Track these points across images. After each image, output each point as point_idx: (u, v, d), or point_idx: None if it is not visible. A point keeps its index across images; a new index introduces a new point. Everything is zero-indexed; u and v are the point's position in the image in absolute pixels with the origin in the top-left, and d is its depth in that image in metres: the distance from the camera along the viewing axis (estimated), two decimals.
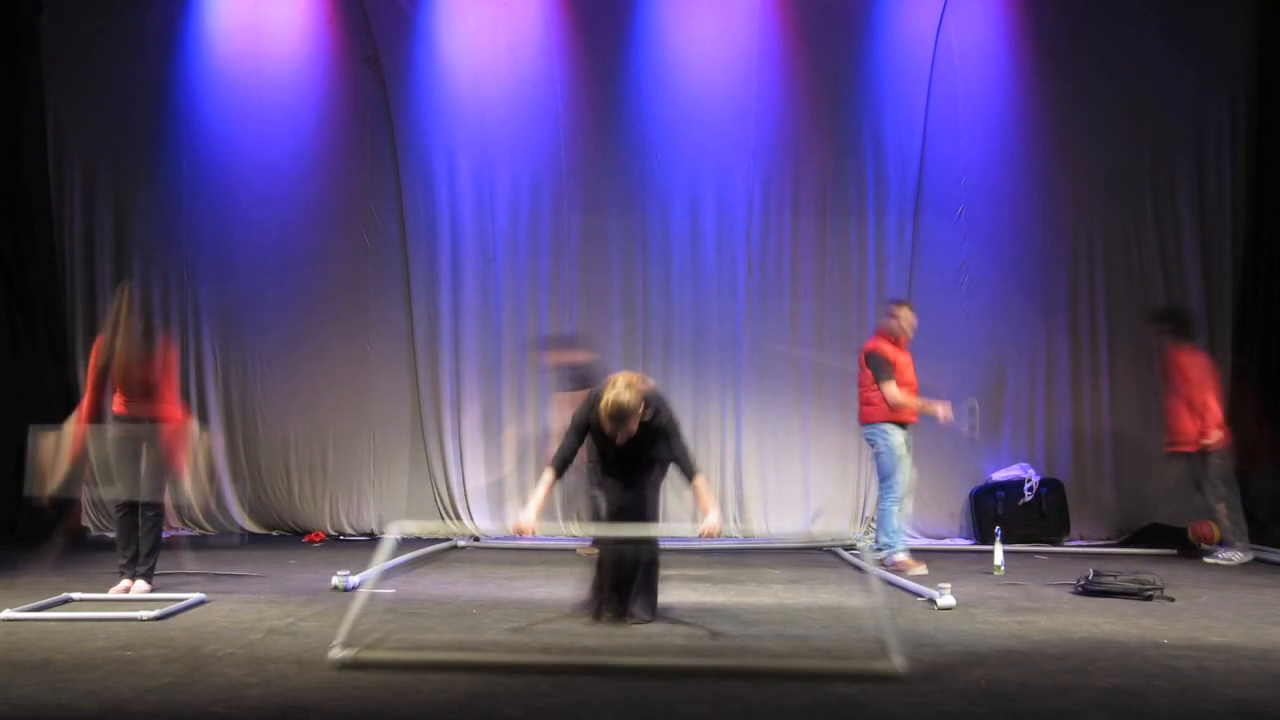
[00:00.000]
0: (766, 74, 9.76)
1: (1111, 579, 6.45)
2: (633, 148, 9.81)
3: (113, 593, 6.20)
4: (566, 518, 8.15)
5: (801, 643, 5.07)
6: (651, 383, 5.52)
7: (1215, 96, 9.74)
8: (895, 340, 7.77)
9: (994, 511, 9.28)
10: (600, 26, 9.87)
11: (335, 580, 6.54)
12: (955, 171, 9.77)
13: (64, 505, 6.72)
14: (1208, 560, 8.16)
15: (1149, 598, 6.29)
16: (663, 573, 5.68)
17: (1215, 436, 8.07)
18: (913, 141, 9.72)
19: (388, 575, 7.12)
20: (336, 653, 4.47)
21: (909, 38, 9.77)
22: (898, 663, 4.38)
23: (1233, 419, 8.21)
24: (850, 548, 8.84)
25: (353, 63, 9.93)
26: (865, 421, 7.75)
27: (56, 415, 6.37)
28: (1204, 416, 8.09)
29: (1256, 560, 8.22)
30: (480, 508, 9.72)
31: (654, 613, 5.56)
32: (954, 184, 9.77)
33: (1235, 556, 8.08)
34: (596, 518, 6.08)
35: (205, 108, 9.95)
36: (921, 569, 7.36)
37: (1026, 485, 9.37)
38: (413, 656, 4.62)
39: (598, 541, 6.08)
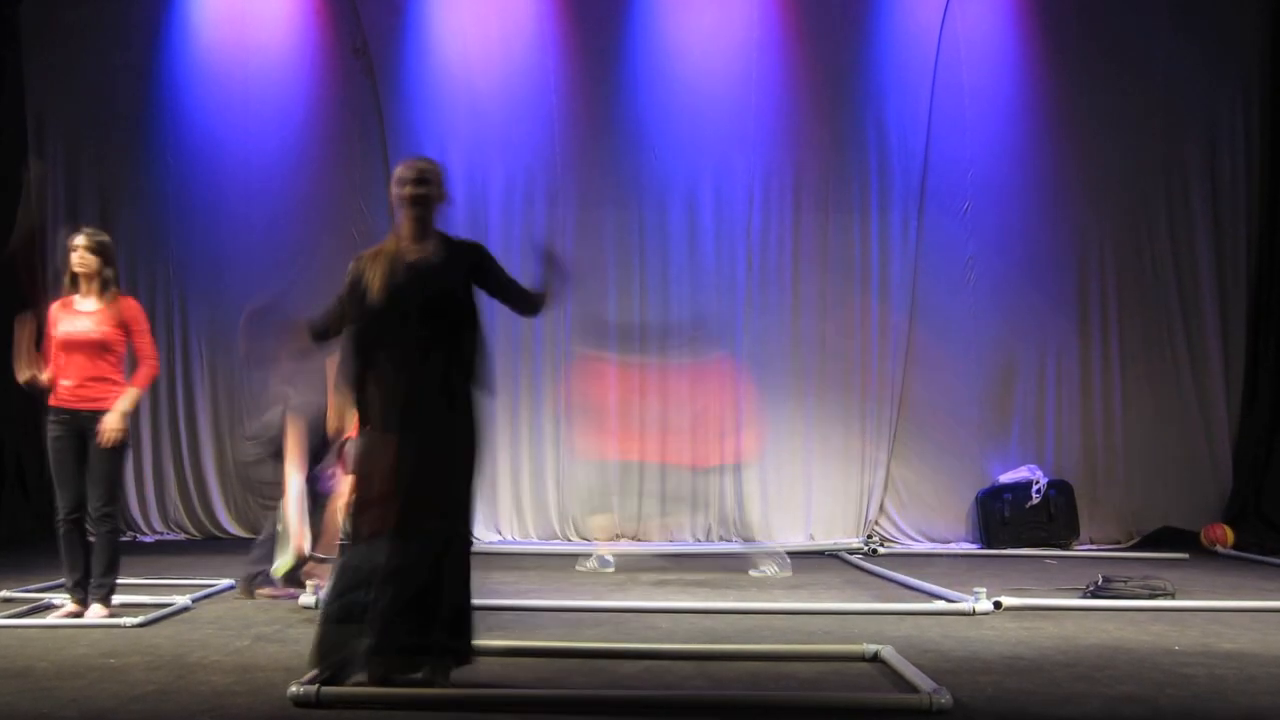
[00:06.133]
0: (766, 64, 9.62)
1: (1122, 584, 6.39)
2: (629, 141, 9.67)
3: (54, 617, 5.49)
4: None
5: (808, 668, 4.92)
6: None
7: (1228, 88, 9.63)
8: None
9: (1001, 514, 9.11)
10: (595, 16, 9.72)
11: (305, 598, 5.86)
12: (961, 165, 9.63)
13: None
14: None
15: None
16: (662, 577, 5.44)
17: None
18: (917, 134, 9.58)
19: None
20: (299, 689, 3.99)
21: (913, 27, 9.62)
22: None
23: None
24: (854, 551, 8.75)
25: (342, 53, 9.78)
26: None
27: (41, 421, 5.87)
28: None
29: (1268, 566, 8.15)
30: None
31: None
32: (960, 178, 9.63)
33: None
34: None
35: (190, 99, 9.79)
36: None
37: (1034, 487, 9.16)
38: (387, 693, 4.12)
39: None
